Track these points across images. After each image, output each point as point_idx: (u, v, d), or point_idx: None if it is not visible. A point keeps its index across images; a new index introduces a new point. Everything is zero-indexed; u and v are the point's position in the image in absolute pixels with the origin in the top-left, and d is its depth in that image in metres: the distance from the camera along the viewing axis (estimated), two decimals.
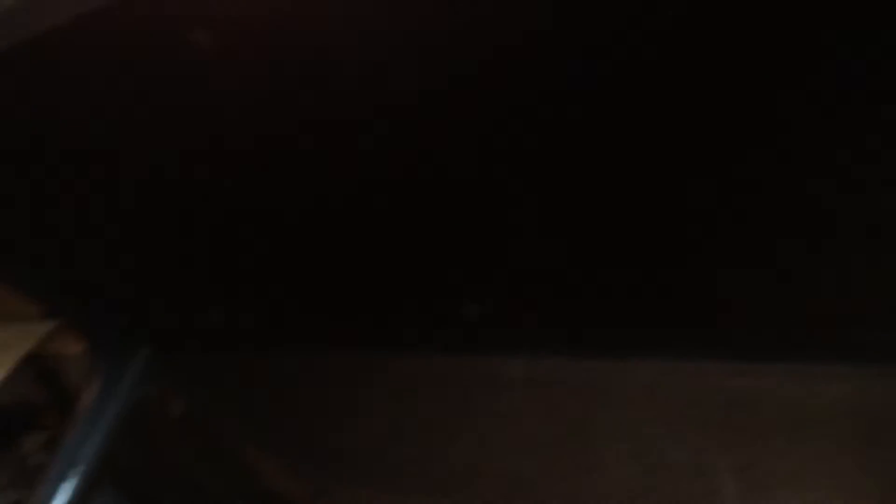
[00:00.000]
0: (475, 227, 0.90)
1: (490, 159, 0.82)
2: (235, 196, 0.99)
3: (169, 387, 1.38)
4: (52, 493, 1.20)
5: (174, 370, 1.39)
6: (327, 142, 0.87)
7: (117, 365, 1.39)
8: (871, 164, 0.69)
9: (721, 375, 0.89)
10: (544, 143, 0.78)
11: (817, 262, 0.77)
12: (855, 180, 0.71)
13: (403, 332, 1.09)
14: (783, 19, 0.63)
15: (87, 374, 1.38)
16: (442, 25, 0.70)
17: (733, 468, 0.86)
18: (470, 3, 0.68)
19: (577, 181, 0.81)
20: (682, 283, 0.85)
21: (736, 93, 0.69)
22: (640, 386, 0.93)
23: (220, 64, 0.79)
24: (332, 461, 1.18)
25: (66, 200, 1.06)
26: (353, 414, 1.17)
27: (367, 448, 1.12)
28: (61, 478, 1.23)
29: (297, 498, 1.19)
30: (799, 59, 0.66)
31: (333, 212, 0.97)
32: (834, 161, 0.70)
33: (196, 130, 0.89)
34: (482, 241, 0.91)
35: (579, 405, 0.96)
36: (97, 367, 1.38)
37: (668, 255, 0.83)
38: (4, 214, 1.04)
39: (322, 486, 1.17)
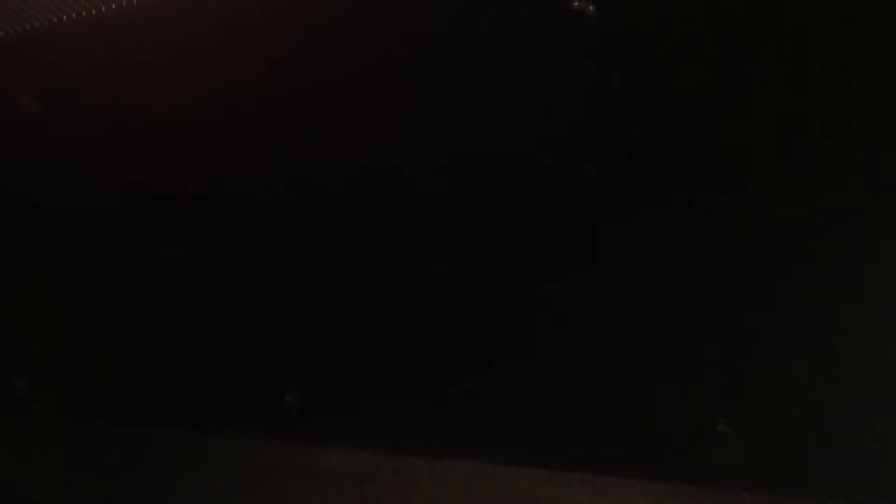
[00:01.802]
0: (300, 321, 0.91)
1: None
2: (53, 265, 0.96)
3: None
4: None
5: None
6: (152, 218, 0.86)
7: None
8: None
9: (530, 481, 0.91)
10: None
11: (624, 384, 0.82)
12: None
13: (223, 414, 1.06)
14: None
15: None
16: None
17: None
18: None
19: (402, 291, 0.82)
20: (496, 393, 0.87)
21: None
22: (455, 487, 0.94)
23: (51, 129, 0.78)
24: None
25: None
26: (164, 491, 1.13)
27: None
28: None
29: None
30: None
31: (163, 293, 0.95)
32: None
33: (14, 193, 0.87)
34: (307, 334, 0.92)
35: (392, 502, 0.96)
36: None
37: (481, 365, 0.86)
38: None
39: None
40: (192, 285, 0.93)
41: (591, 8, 0.51)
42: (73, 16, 0.66)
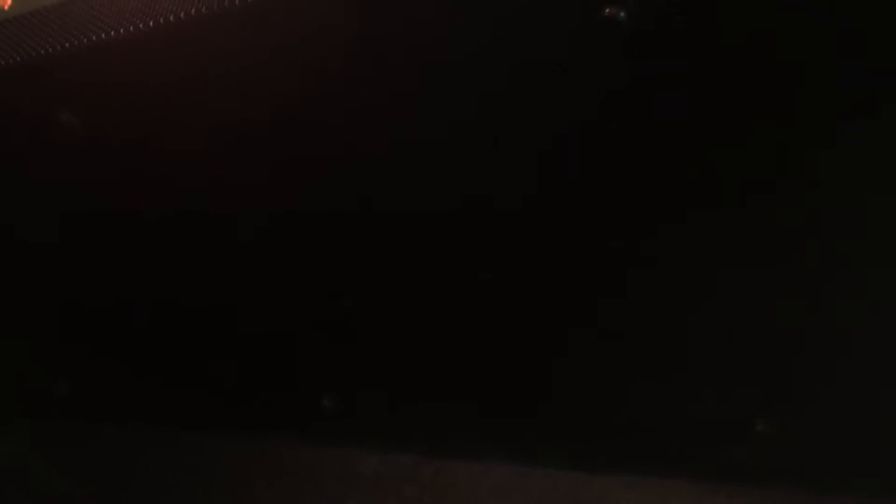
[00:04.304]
0: (337, 328, 0.92)
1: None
2: (100, 274, 0.98)
3: (13, 455, 1.31)
4: None
5: (15, 439, 1.34)
6: (194, 231, 0.87)
7: None
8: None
9: (569, 483, 0.91)
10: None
11: (656, 384, 0.81)
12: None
13: (262, 418, 1.08)
14: None
15: None
16: None
17: None
18: None
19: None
20: (535, 394, 0.87)
21: None
22: (493, 488, 0.95)
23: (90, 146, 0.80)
24: None
25: None
26: (203, 494, 1.15)
27: None
28: None
29: None
30: None
31: (201, 300, 0.97)
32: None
33: (59, 206, 0.90)
34: (344, 340, 0.93)
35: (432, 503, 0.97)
36: None
37: (520, 366, 0.86)
38: None
39: None
40: (231, 291, 0.94)
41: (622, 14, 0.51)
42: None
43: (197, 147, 0.78)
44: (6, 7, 0.77)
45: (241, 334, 0.99)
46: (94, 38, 0.65)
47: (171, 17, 0.62)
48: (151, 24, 0.63)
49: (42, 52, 0.68)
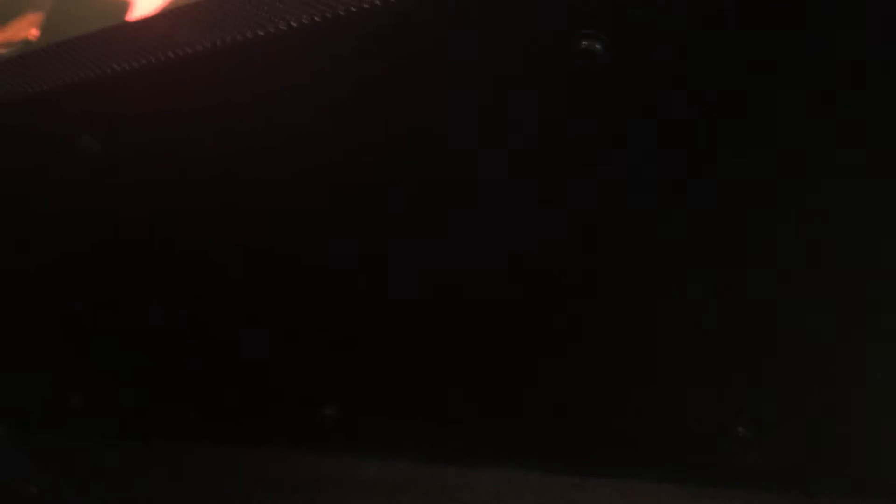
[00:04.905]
0: (335, 339, 0.95)
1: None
2: (107, 292, 1.02)
3: (23, 472, 1.34)
4: None
5: (29, 455, 1.36)
6: (207, 254, 0.91)
7: None
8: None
9: (561, 487, 0.95)
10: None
11: (642, 391, 0.85)
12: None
13: (262, 429, 1.11)
14: None
15: None
16: None
17: None
18: None
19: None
20: (528, 403, 0.91)
21: None
22: (488, 493, 0.98)
23: (109, 169, 0.84)
24: None
25: None
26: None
27: None
28: None
29: None
30: None
31: (208, 316, 1.01)
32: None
33: (76, 228, 0.94)
34: (343, 351, 0.97)
35: None
36: None
37: (512, 377, 0.90)
38: None
39: None
40: (238, 308, 0.98)
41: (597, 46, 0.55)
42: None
43: (218, 175, 0.82)
44: (34, 38, 0.81)
45: (245, 348, 1.02)
46: (128, 65, 0.70)
47: (185, 51, 0.67)
48: (171, 55, 0.68)
49: (68, 80, 0.73)
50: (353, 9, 0.62)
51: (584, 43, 0.56)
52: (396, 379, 0.96)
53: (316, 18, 0.64)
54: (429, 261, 0.84)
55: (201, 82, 0.73)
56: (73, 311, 1.08)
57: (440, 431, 0.99)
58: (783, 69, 0.59)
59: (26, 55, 0.82)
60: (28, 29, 0.83)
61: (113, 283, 1.01)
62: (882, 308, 0.73)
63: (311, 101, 0.73)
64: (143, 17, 0.75)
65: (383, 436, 1.03)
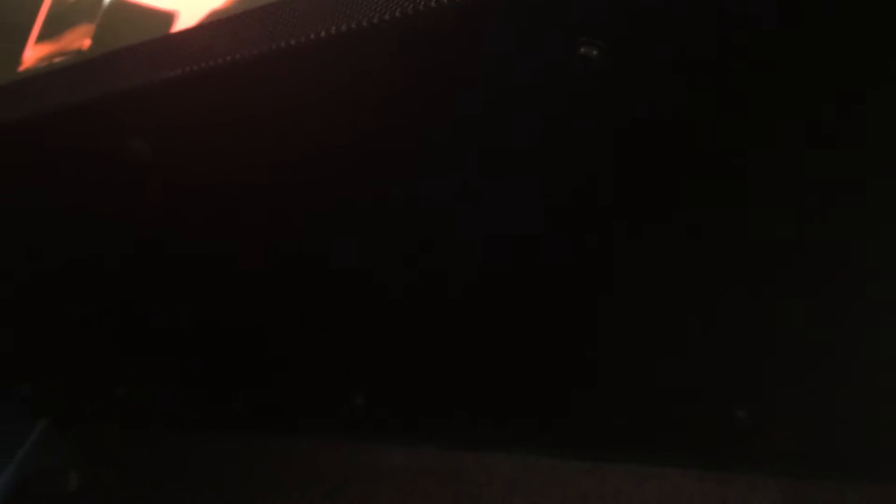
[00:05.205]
0: (366, 331, 1.00)
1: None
2: (152, 290, 1.09)
3: (66, 461, 1.40)
4: None
5: (72, 444, 1.42)
6: (248, 247, 0.97)
7: (16, 434, 1.41)
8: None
9: (572, 472, 0.99)
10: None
11: (648, 382, 0.89)
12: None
13: (297, 417, 1.17)
14: None
15: None
16: None
17: None
18: None
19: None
20: (542, 395, 0.96)
21: None
22: (503, 477, 1.03)
23: (158, 171, 0.89)
24: None
25: None
26: (244, 491, 1.23)
27: None
28: None
29: None
30: None
31: (245, 309, 1.06)
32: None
33: (124, 227, 1.00)
34: (373, 343, 1.02)
35: (449, 493, 1.05)
36: None
37: (527, 369, 0.94)
38: None
39: None
40: (273, 304, 1.04)
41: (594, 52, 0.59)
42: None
43: (258, 175, 0.87)
44: (86, 48, 0.88)
45: (280, 341, 1.08)
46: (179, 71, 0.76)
47: (228, 59, 0.73)
48: (211, 63, 0.74)
49: (118, 87, 0.80)
50: (386, 17, 0.66)
51: (581, 49, 0.59)
52: (419, 371, 1.01)
53: (352, 26, 0.67)
54: (452, 258, 0.88)
55: (240, 89, 0.78)
56: (117, 306, 1.15)
57: (460, 422, 1.04)
58: (784, 71, 0.60)
59: (79, 64, 0.88)
60: (80, 40, 0.89)
61: (155, 279, 1.07)
62: (882, 295, 0.73)
63: (346, 105, 0.76)
64: (185, 29, 0.81)
65: (407, 425, 1.08)
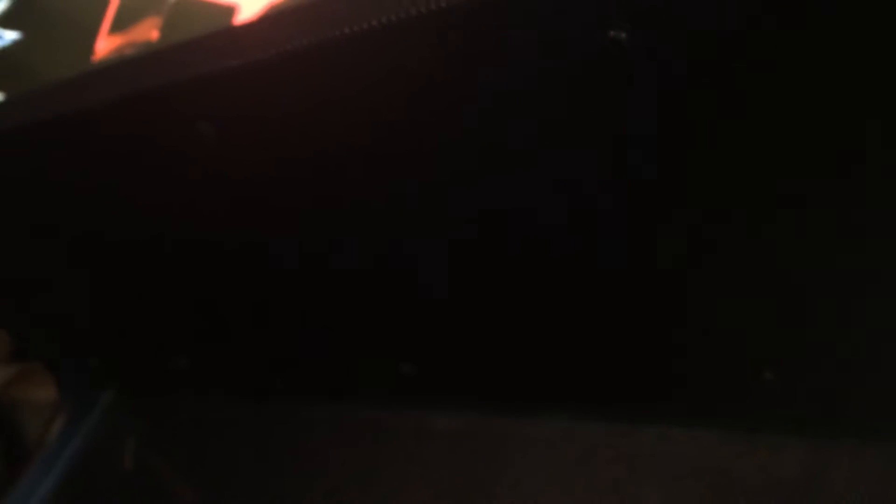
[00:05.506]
0: (413, 305, 1.06)
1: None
2: (214, 267, 1.15)
3: (131, 431, 1.47)
4: None
5: (137, 415, 1.49)
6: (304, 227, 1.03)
7: (83, 405, 1.48)
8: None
9: (609, 436, 1.04)
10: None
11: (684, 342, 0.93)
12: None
13: (348, 386, 1.24)
14: None
15: (47, 420, 1.48)
16: None
17: None
18: None
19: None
20: (579, 363, 1.01)
21: None
22: (541, 440, 1.08)
23: (222, 154, 0.95)
24: None
25: (58, 256, 1.19)
26: (297, 460, 1.29)
27: (319, 496, 1.23)
28: None
29: None
30: None
31: (302, 284, 1.12)
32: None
33: (189, 208, 1.05)
34: (420, 316, 1.07)
35: (492, 455, 1.11)
36: (62, 407, 1.47)
37: (567, 335, 0.99)
38: None
39: None
40: (328, 275, 1.09)
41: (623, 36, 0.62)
42: None
43: (315, 163, 0.91)
44: (154, 40, 0.94)
45: (335, 312, 1.13)
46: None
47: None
48: (272, 53, 0.80)
49: (184, 76, 0.86)
50: (432, 7, 0.67)
51: (612, 32, 0.61)
52: (464, 340, 1.07)
53: (412, 12, 0.68)
54: (492, 231, 0.92)
55: (299, 78, 0.83)
56: (179, 279, 1.21)
57: (502, 387, 1.10)
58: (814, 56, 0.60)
59: (148, 54, 0.94)
60: (149, 31, 0.95)
61: (216, 256, 1.13)
62: None
63: (402, 97, 0.79)
64: (246, 21, 0.87)
65: (455, 391, 1.14)
